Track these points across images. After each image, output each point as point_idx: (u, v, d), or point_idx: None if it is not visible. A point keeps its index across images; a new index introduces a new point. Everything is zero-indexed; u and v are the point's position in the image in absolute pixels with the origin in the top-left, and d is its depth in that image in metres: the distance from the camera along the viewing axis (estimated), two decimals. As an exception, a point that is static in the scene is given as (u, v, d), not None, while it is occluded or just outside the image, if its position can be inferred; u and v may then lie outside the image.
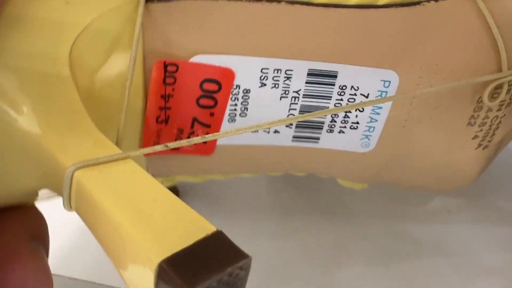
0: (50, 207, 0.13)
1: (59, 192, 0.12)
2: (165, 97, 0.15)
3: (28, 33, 0.12)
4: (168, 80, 0.15)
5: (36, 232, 0.13)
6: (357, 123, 0.17)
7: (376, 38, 0.15)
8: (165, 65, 0.15)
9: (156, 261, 0.08)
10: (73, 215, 0.12)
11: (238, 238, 0.10)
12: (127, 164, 0.11)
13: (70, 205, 0.11)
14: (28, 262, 0.12)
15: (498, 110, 0.17)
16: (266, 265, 0.21)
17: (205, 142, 0.17)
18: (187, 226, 0.09)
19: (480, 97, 0.16)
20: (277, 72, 0.16)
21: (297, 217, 0.23)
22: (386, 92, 0.16)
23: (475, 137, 0.18)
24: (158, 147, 0.12)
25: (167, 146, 0.12)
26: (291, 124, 0.17)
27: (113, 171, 0.11)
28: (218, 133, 0.13)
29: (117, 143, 0.14)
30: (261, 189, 0.25)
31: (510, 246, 0.22)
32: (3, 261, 0.12)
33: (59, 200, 0.12)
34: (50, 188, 0.12)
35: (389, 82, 0.16)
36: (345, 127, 0.17)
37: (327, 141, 0.17)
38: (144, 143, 0.16)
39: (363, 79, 0.16)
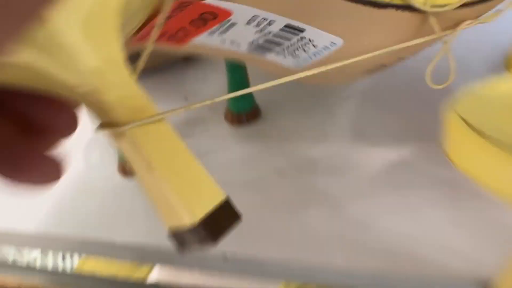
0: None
1: (95, 111, 0.15)
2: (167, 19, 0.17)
3: None
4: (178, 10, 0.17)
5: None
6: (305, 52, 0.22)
7: (336, 17, 0.19)
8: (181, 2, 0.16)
9: (189, 223, 0.14)
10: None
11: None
12: (165, 126, 0.15)
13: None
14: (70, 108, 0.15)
15: None
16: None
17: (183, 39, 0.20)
18: (209, 193, 0.15)
19: None
20: (264, 20, 0.19)
21: (263, 174, 0.26)
22: (330, 48, 0.21)
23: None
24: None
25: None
26: (252, 43, 0.21)
27: (157, 132, 0.15)
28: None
29: None
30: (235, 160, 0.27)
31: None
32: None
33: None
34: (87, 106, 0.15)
35: (335, 44, 0.21)
36: (291, 55, 0.22)
37: (272, 58, 0.22)
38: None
39: (318, 37, 0.20)
